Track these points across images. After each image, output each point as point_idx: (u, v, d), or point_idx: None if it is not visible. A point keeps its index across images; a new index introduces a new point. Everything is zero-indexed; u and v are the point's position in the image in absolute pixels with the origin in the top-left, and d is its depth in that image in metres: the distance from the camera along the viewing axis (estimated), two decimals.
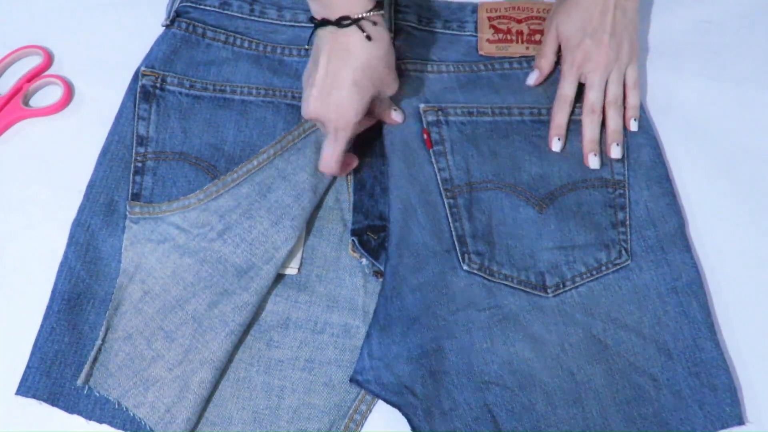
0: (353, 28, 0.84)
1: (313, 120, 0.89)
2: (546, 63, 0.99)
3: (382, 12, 0.86)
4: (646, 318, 0.88)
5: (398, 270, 0.89)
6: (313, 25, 0.87)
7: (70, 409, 0.83)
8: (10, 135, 0.98)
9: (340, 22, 0.84)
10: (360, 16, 0.84)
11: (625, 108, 0.97)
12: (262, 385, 0.87)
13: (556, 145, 0.95)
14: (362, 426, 0.87)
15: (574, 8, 0.96)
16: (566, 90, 0.96)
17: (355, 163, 0.94)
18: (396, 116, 0.95)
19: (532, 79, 0.99)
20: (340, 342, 0.89)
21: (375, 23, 0.85)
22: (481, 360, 0.86)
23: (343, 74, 0.85)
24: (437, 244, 0.90)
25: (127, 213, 0.90)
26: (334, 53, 0.85)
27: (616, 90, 0.96)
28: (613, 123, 0.96)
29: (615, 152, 0.95)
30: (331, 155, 0.89)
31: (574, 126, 0.97)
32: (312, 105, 0.86)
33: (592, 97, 0.96)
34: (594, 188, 0.94)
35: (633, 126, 0.96)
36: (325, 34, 0.86)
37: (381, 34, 0.86)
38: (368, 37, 0.85)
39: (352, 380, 0.85)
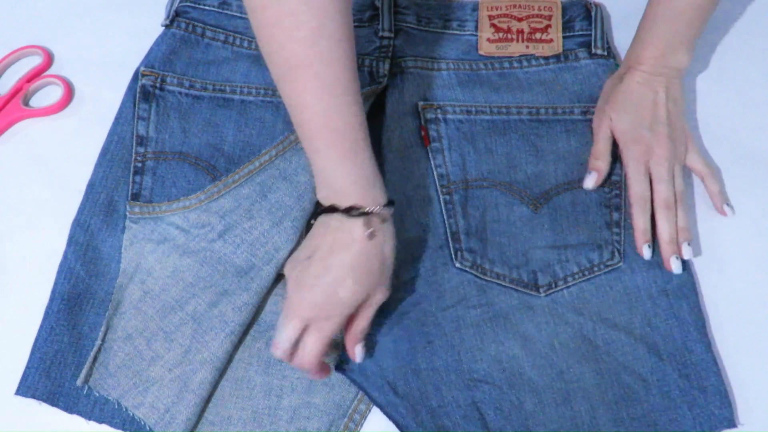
0: (360, 221, 0.79)
1: (302, 315, 0.80)
2: (604, 164, 0.93)
3: (392, 210, 0.82)
4: (636, 319, 0.88)
5: None
6: (317, 211, 0.82)
7: (69, 409, 0.84)
8: (10, 135, 0.99)
9: (350, 212, 0.79)
10: (371, 210, 0.79)
11: (711, 196, 0.94)
12: (261, 385, 0.87)
13: (647, 253, 0.89)
14: (361, 426, 0.87)
15: (628, 102, 0.93)
16: (639, 189, 0.91)
17: (328, 371, 0.86)
18: (358, 352, 0.84)
19: (591, 182, 0.93)
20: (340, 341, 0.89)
21: (384, 220, 0.81)
22: (471, 357, 0.87)
23: (342, 265, 0.79)
24: (430, 239, 0.91)
25: (127, 213, 0.91)
26: (336, 244, 0.79)
27: (681, 183, 0.92)
28: (682, 219, 0.90)
29: (686, 253, 0.89)
30: (314, 349, 0.80)
31: (571, 125, 0.97)
32: (308, 295, 0.80)
33: (663, 191, 0.90)
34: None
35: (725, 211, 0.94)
36: (328, 221, 0.80)
37: (387, 233, 0.81)
38: (371, 234, 0.79)
39: (337, 368, 0.86)
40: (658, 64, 0.93)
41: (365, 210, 0.79)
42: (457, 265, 0.90)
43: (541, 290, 0.89)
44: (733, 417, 0.84)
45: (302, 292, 0.80)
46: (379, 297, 0.82)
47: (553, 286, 0.89)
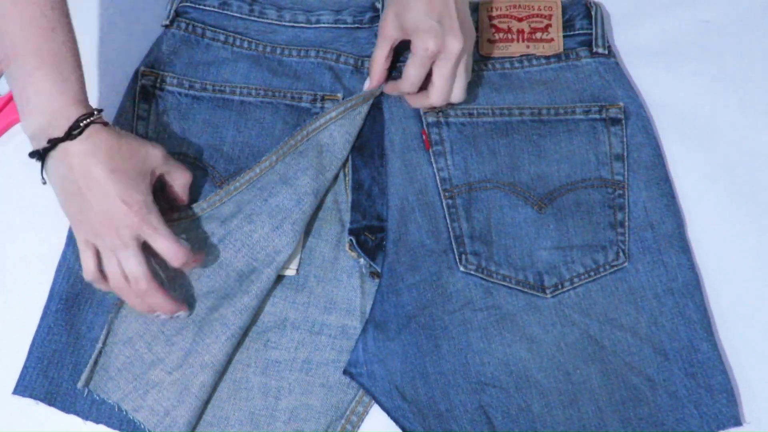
0: (86, 133, 0.78)
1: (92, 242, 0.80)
2: (378, 70, 0.95)
3: (102, 111, 0.82)
4: (642, 319, 0.88)
5: (395, 268, 0.90)
6: (42, 154, 0.80)
7: (66, 409, 0.84)
8: (10, 135, 0.98)
9: (71, 134, 0.78)
10: (95, 118, 0.80)
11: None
12: (259, 386, 0.87)
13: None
14: (359, 427, 0.87)
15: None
16: (414, 73, 0.91)
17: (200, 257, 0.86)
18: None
19: (366, 85, 0.96)
20: (338, 343, 0.89)
21: (106, 123, 0.82)
22: (478, 361, 0.87)
23: (101, 173, 0.78)
24: (434, 243, 0.91)
25: None
26: (80, 182, 0.78)
27: (462, 81, 0.92)
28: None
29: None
30: (136, 268, 0.80)
31: (573, 125, 0.97)
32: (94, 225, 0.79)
33: (437, 95, 0.91)
34: (593, 188, 0.94)
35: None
36: (55, 163, 0.79)
37: (114, 132, 0.81)
38: (105, 124, 0.81)
39: (345, 372, 0.86)
40: None
41: (86, 122, 0.78)
42: (462, 269, 0.90)
43: (548, 291, 0.89)
44: (740, 415, 0.84)
45: (93, 238, 0.79)
46: (164, 166, 0.84)
47: (560, 287, 0.89)
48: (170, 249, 0.80)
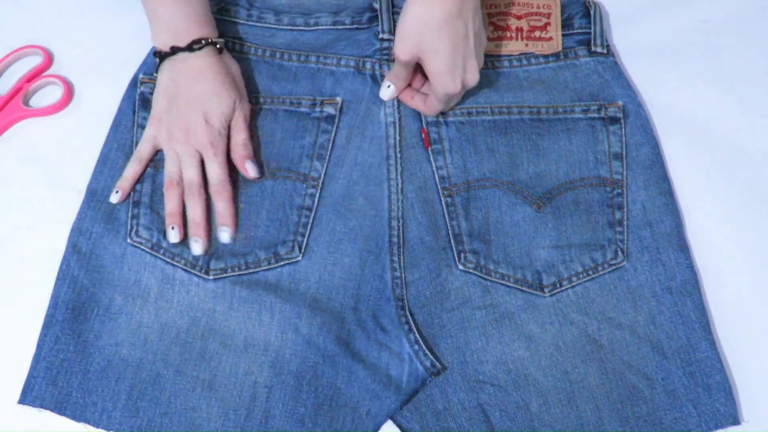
0: (205, 50, 0.91)
1: (190, 150, 0.90)
2: (401, 82, 0.96)
3: (224, 40, 0.95)
4: (640, 317, 0.88)
5: None
6: (159, 59, 0.92)
7: (77, 417, 0.84)
8: (10, 135, 0.98)
9: (192, 47, 0.90)
10: (211, 40, 0.91)
11: None
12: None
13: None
14: None
15: (442, 39, 0.88)
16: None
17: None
18: (250, 168, 0.92)
19: (386, 95, 0.96)
20: None
21: (221, 48, 0.93)
22: (476, 359, 0.87)
23: (205, 91, 0.90)
24: (434, 241, 0.91)
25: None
26: (192, 78, 0.90)
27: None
28: None
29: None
30: (220, 172, 0.90)
31: (572, 124, 0.97)
32: (190, 130, 0.90)
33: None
34: (592, 187, 0.94)
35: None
36: (174, 64, 0.91)
37: (227, 57, 0.94)
38: (220, 50, 0.92)
39: None
40: None
41: (207, 41, 0.91)
42: (461, 267, 0.90)
43: (546, 290, 0.89)
44: (738, 414, 0.84)
45: (177, 131, 0.90)
46: (246, 109, 0.93)
47: (558, 286, 0.90)
48: (219, 176, 0.90)
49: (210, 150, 0.90)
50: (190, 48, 0.90)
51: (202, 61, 0.90)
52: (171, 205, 0.90)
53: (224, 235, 0.90)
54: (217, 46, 0.92)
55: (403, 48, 0.88)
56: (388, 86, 0.94)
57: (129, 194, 0.91)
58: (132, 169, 0.91)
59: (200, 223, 0.90)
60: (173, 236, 0.89)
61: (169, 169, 0.91)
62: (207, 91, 0.90)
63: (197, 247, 0.89)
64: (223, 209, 0.90)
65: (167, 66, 0.91)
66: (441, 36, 0.86)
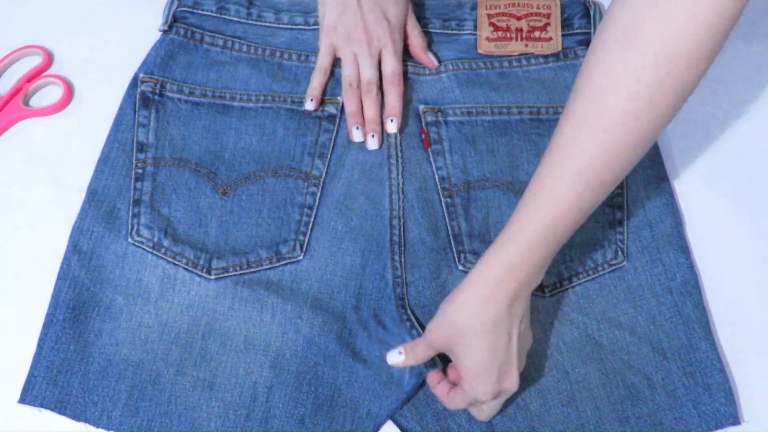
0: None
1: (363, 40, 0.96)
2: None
3: None
4: (641, 317, 0.88)
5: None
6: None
7: (77, 417, 0.84)
8: (10, 135, 0.98)
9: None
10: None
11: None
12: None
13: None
14: None
15: (480, 346, 0.78)
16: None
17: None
18: (432, 57, 1.00)
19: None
20: None
21: None
22: None
23: (376, 3, 0.95)
24: (434, 241, 0.91)
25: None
26: None
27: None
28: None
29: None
30: (396, 65, 0.96)
31: None
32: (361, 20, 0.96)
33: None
34: None
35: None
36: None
37: None
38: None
39: None
40: (519, 286, 0.78)
41: None
42: (461, 267, 0.90)
43: (546, 290, 0.89)
44: (738, 414, 0.84)
45: (357, 32, 0.96)
46: (413, 12, 1.02)
47: (558, 286, 0.89)
48: (396, 69, 0.96)
49: (390, 45, 0.95)
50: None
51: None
52: (352, 106, 0.95)
53: (392, 126, 0.95)
54: None
55: (437, 331, 0.79)
56: (399, 353, 0.82)
57: (321, 102, 0.97)
58: (318, 79, 0.97)
59: (377, 119, 0.95)
60: (358, 135, 0.95)
61: (348, 72, 0.96)
62: None
63: (374, 143, 0.95)
64: (395, 101, 0.96)
65: None
66: (479, 339, 0.76)
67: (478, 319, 0.76)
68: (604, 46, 0.72)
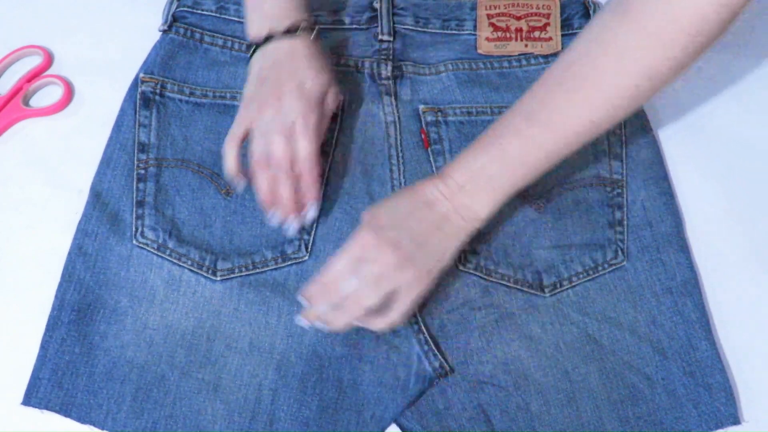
0: (301, 34, 0.88)
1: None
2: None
3: (318, 26, 0.91)
4: (641, 317, 0.88)
5: None
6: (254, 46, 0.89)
7: (82, 419, 0.84)
8: (10, 135, 0.98)
9: (289, 30, 0.88)
10: (307, 24, 0.89)
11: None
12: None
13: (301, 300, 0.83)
14: None
15: (399, 201, 0.85)
16: (339, 265, 0.83)
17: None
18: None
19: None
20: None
21: (313, 30, 0.90)
22: (476, 359, 0.87)
23: (300, 69, 0.87)
24: None
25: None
26: (286, 58, 0.88)
27: (371, 295, 0.81)
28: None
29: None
30: (309, 146, 0.86)
31: None
32: (288, 101, 0.86)
33: (346, 284, 0.82)
34: (592, 187, 0.94)
35: (296, 319, 0.84)
36: (267, 50, 0.88)
37: (317, 40, 0.91)
38: (317, 35, 0.90)
39: None
40: (457, 193, 0.83)
41: (302, 27, 0.88)
42: (461, 267, 0.90)
43: (546, 290, 0.89)
44: (738, 414, 0.85)
45: (269, 105, 0.86)
46: (339, 93, 0.91)
47: (558, 286, 0.89)
48: (309, 151, 0.86)
49: (302, 123, 0.86)
50: (287, 31, 0.88)
51: (298, 43, 0.88)
52: (263, 186, 0.86)
53: (310, 212, 0.87)
54: (313, 30, 0.90)
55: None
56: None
57: (243, 174, 0.88)
58: (231, 154, 0.87)
59: (291, 204, 0.86)
60: (274, 219, 0.87)
61: (255, 148, 0.87)
62: (303, 66, 0.88)
63: (292, 229, 0.87)
64: (310, 184, 0.87)
65: (260, 54, 0.89)
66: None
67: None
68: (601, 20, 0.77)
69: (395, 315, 0.81)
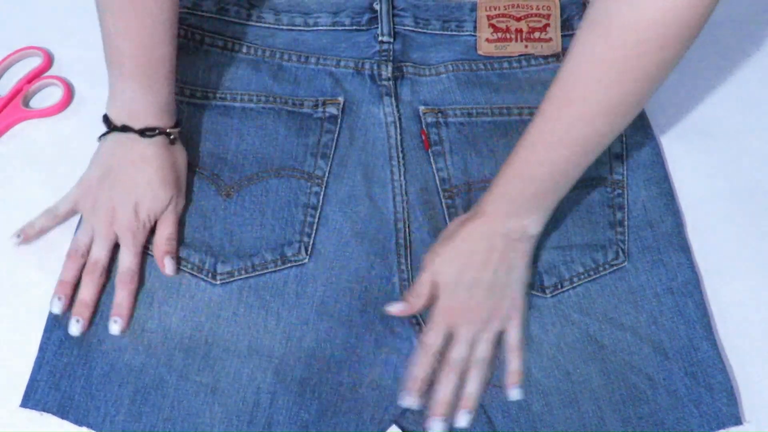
0: (156, 139, 0.87)
1: (108, 235, 0.87)
2: (418, 303, 0.86)
3: (179, 130, 0.90)
4: (642, 318, 0.88)
5: None
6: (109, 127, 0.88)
7: (80, 421, 0.83)
8: (10, 136, 0.98)
9: (144, 133, 0.86)
10: (165, 130, 0.87)
11: (507, 372, 0.86)
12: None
13: (407, 400, 0.84)
14: None
15: (459, 252, 0.85)
16: (432, 339, 0.85)
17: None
18: (167, 264, 0.87)
19: (396, 309, 0.86)
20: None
21: (174, 140, 0.89)
22: None
23: (144, 178, 0.86)
24: (435, 243, 0.91)
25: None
26: (133, 160, 0.87)
27: (484, 348, 0.85)
28: (471, 386, 0.84)
29: (461, 420, 0.83)
30: (132, 262, 0.86)
31: None
32: (117, 211, 0.86)
33: (456, 351, 0.84)
34: (592, 188, 0.94)
35: (513, 394, 0.85)
36: (121, 139, 0.87)
37: (177, 150, 0.90)
38: (173, 141, 0.88)
39: None
40: (504, 222, 0.85)
41: (160, 131, 0.87)
42: None
43: (547, 291, 0.89)
44: (739, 414, 0.85)
45: (103, 209, 0.86)
46: (180, 206, 0.90)
47: (559, 287, 0.89)
48: (130, 266, 0.87)
49: (129, 239, 0.86)
50: (141, 133, 0.86)
51: (150, 149, 0.86)
52: (67, 274, 0.86)
53: (114, 327, 0.84)
54: (171, 137, 0.88)
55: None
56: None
57: (31, 241, 0.89)
58: (42, 222, 0.89)
59: (89, 306, 0.85)
60: (56, 306, 0.85)
61: (80, 238, 0.87)
62: (145, 182, 0.86)
63: (76, 329, 0.84)
64: (123, 300, 0.85)
65: (114, 138, 0.87)
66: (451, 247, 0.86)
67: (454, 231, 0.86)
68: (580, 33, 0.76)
69: (513, 342, 0.86)
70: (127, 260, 0.86)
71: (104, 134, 0.88)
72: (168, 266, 0.87)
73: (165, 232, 0.88)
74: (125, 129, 0.86)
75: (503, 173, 0.84)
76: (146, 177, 0.86)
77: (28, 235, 0.89)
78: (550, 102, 0.79)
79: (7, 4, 1.06)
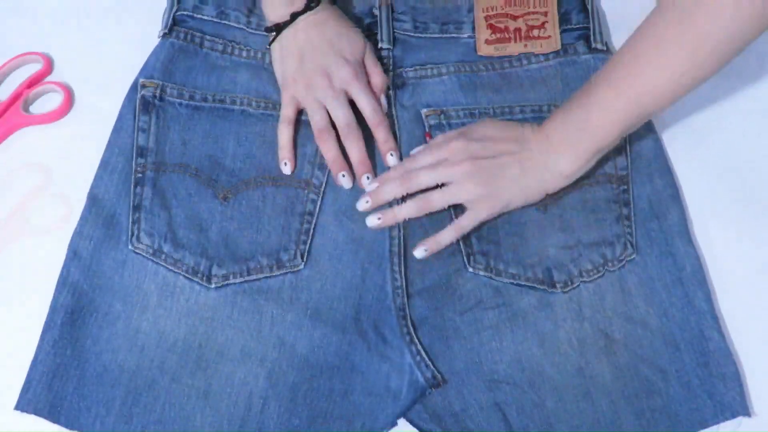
0: (322, 5, 0.94)
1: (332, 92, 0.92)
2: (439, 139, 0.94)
3: None
4: (652, 310, 0.88)
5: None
6: (276, 32, 0.95)
7: (71, 424, 0.83)
8: (10, 142, 0.98)
9: (310, 6, 0.93)
10: None
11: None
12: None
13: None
14: None
15: (494, 126, 0.94)
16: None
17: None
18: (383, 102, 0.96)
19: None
20: None
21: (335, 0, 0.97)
22: (490, 359, 0.87)
23: (329, 35, 0.93)
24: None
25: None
26: (314, 32, 0.93)
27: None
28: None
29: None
30: (371, 101, 0.93)
31: None
32: (337, 68, 0.92)
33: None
34: (598, 185, 0.94)
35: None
36: (294, 28, 0.94)
37: (336, 11, 0.97)
38: (334, 1, 0.97)
39: None
40: (542, 148, 0.89)
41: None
42: (470, 269, 0.90)
43: (558, 287, 0.89)
44: (748, 405, 0.85)
45: (318, 79, 0.92)
46: (371, 46, 0.97)
47: (569, 283, 0.89)
48: (372, 105, 0.93)
49: (356, 84, 0.92)
50: (308, 7, 0.93)
51: (321, 15, 0.94)
52: (331, 153, 0.92)
53: (391, 159, 0.92)
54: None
55: None
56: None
57: (295, 159, 0.94)
58: (285, 134, 0.94)
59: (365, 161, 0.92)
60: (346, 182, 0.92)
61: (316, 119, 0.92)
62: (335, 34, 0.93)
63: (371, 185, 0.91)
64: (386, 136, 0.93)
65: (287, 33, 0.94)
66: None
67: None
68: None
69: (465, 222, 0.88)
70: (367, 101, 0.93)
71: (272, 41, 0.96)
72: (383, 103, 0.95)
73: (378, 69, 0.96)
74: (294, 16, 0.93)
75: (566, 104, 0.88)
76: (333, 31, 0.94)
77: (290, 160, 0.93)
78: (627, 49, 0.85)
79: (7, 10, 1.05)
